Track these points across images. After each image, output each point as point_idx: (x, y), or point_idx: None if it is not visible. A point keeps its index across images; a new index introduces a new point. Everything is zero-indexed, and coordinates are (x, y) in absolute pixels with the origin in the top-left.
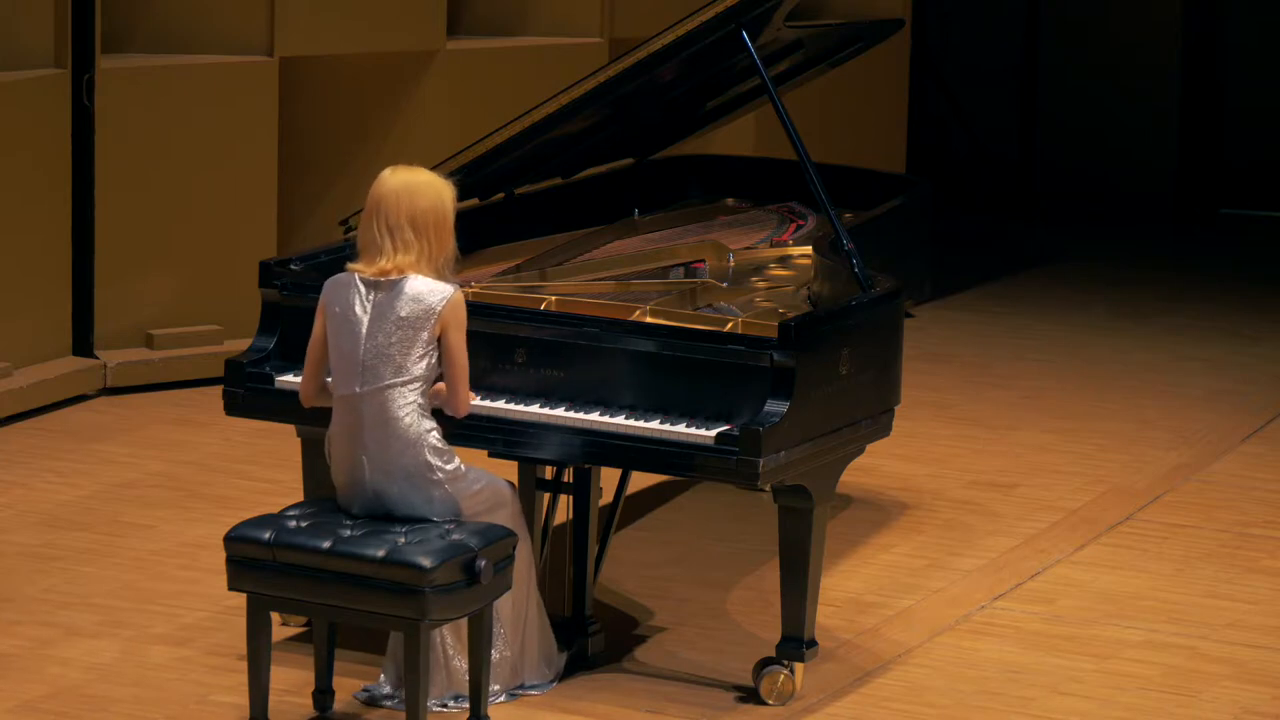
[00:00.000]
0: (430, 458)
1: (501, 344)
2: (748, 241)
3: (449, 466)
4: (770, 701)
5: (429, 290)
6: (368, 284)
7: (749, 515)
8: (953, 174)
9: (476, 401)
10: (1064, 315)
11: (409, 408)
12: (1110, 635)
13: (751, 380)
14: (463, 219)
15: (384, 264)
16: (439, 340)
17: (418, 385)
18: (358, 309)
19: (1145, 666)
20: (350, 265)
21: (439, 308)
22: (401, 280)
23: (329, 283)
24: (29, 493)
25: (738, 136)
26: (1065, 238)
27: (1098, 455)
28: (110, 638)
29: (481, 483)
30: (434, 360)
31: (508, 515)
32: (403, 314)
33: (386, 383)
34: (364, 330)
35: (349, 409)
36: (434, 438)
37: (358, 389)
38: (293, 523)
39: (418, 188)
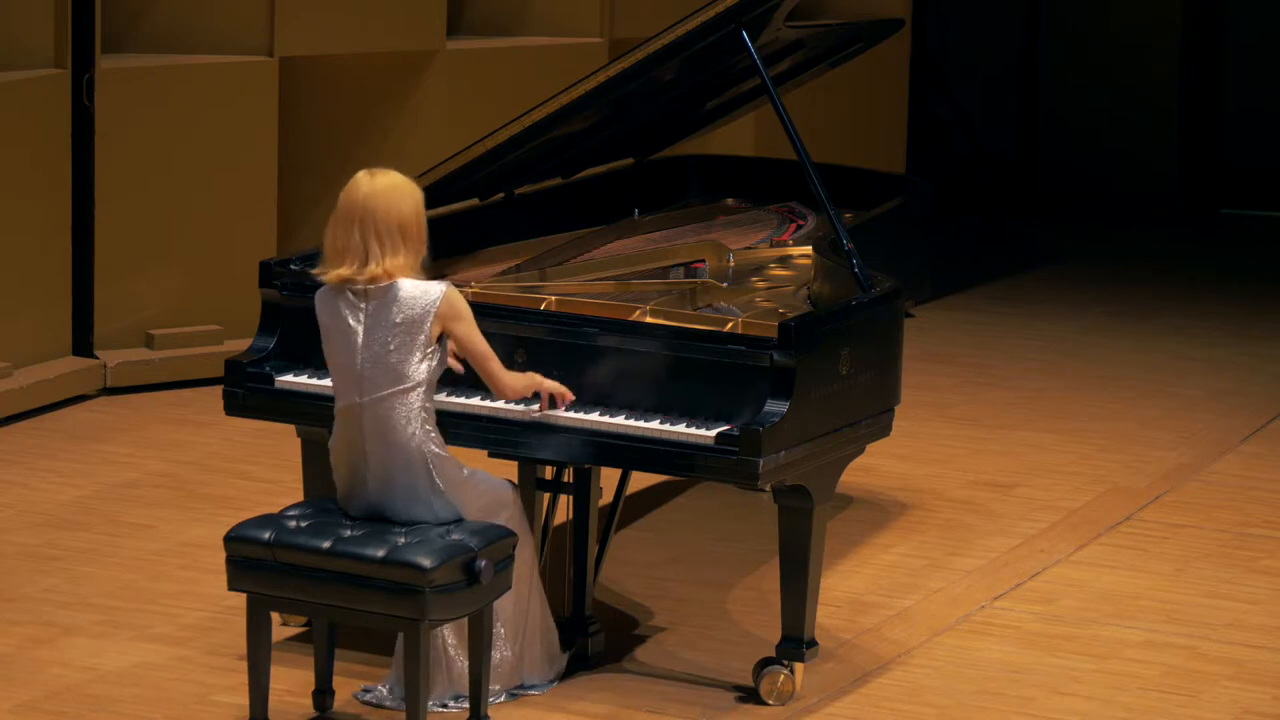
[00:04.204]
0: (432, 469)
1: (501, 344)
2: (748, 241)
3: (451, 474)
4: (770, 701)
5: (422, 291)
6: (358, 293)
7: (749, 515)
8: (953, 174)
9: (476, 401)
10: (1064, 315)
11: (410, 416)
12: (1110, 635)
13: (751, 380)
14: (463, 219)
15: (374, 269)
16: (441, 339)
17: (420, 390)
18: (351, 320)
19: (1145, 666)
20: (333, 275)
21: (434, 307)
22: (393, 285)
23: (318, 298)
24: (29, 493)
25: (738, 136)
26: (1066, 238)
27: (1098, 455)
28: (110, 638)
29: (483, 486)
30: (434, 363)
31: (509, 516)
32: (398, 320)
33: (387, 391)
34: (360, 340)
35: (350, 420)
36: (435, 447)
37: (358, 399)
38: (293, 523)
39: (400, 192)
